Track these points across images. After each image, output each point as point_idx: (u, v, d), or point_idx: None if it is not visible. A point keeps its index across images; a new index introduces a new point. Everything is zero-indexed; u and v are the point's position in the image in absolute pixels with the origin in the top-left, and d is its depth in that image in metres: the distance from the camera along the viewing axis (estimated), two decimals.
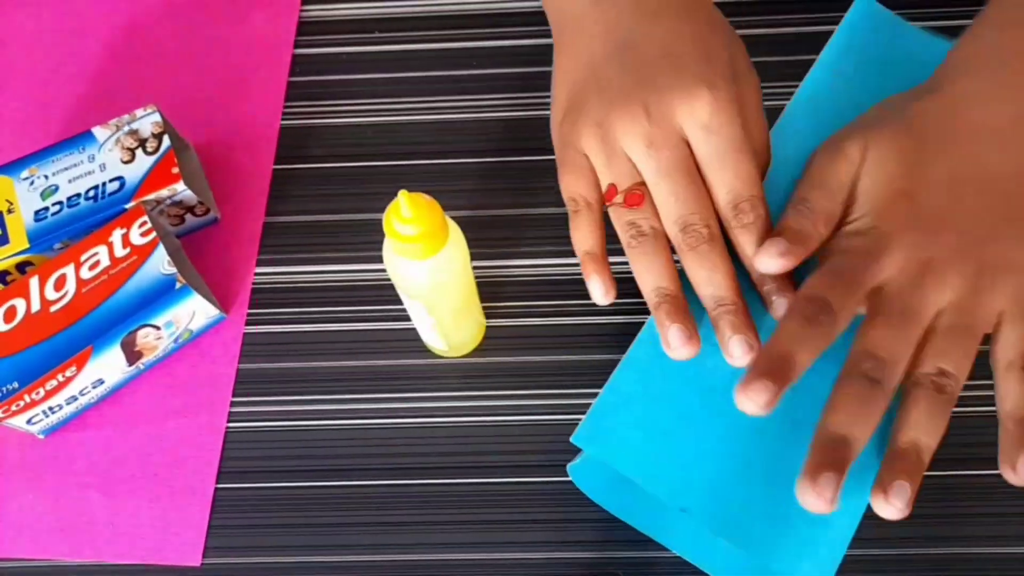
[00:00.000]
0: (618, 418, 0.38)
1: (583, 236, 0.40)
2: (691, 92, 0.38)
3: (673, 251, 0.39)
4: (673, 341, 0.37)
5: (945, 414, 0.35)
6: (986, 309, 0.35)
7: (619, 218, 0.40)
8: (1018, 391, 0.35)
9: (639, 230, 0.39)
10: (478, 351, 0.50)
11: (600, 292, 0.40)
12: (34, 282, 0.46)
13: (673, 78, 0.39)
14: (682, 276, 0.39)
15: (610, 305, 0.50)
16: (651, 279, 0.39)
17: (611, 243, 0.39)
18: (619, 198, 0.40)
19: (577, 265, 0.40)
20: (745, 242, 0.38)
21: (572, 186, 0.41)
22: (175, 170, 0.49)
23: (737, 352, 0.37)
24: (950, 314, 0.35)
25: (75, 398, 0.48)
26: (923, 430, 0.34)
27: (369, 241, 0.53)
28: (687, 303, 0.38)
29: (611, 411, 0.38)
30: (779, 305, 0.38)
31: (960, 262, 0.36)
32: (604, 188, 0.40)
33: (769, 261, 0.37)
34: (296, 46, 0.59)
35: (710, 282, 0.38)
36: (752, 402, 0.33)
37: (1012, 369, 0.35)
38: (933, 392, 0.35)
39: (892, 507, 0.33)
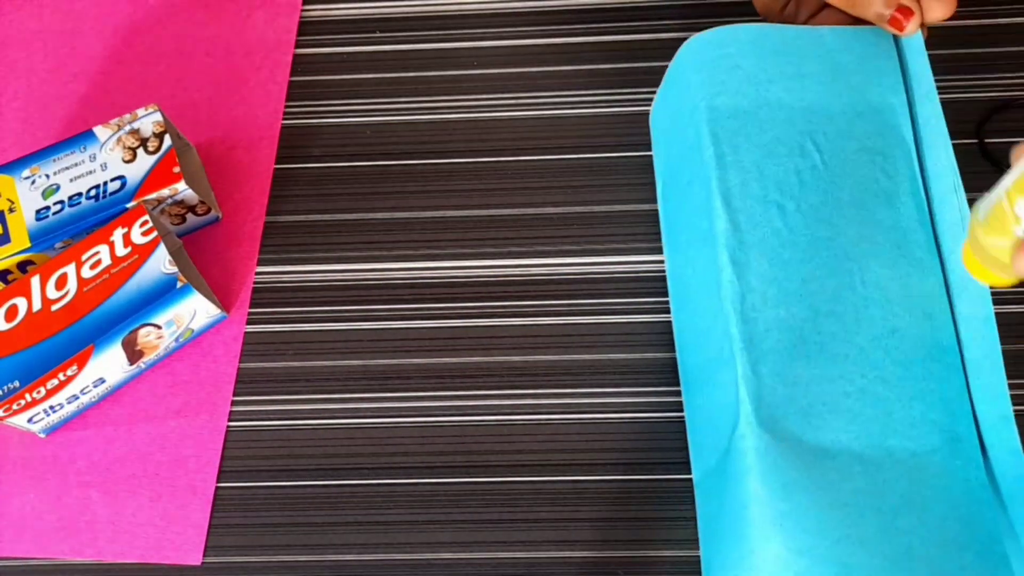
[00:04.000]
0: None
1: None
2: None
3: None
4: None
5: None
6: None
7: None
8: None
9: None
10: (478, 351, 0.50)
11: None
12: (35, 281, 0.46)
13: None
14: None
15: (610, 306, 0.50)
16: None
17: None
18: None
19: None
20: None
21: None
22: (176, 169, 0.49)
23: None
24: None
25: (76, 397, 0.48)
26: None
27: (369, 241, 0.53)
28: None
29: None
30: None
31: None
32: None
33: None
34: (297, 46, 0.59)
35: None
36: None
37: None
38: None
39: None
